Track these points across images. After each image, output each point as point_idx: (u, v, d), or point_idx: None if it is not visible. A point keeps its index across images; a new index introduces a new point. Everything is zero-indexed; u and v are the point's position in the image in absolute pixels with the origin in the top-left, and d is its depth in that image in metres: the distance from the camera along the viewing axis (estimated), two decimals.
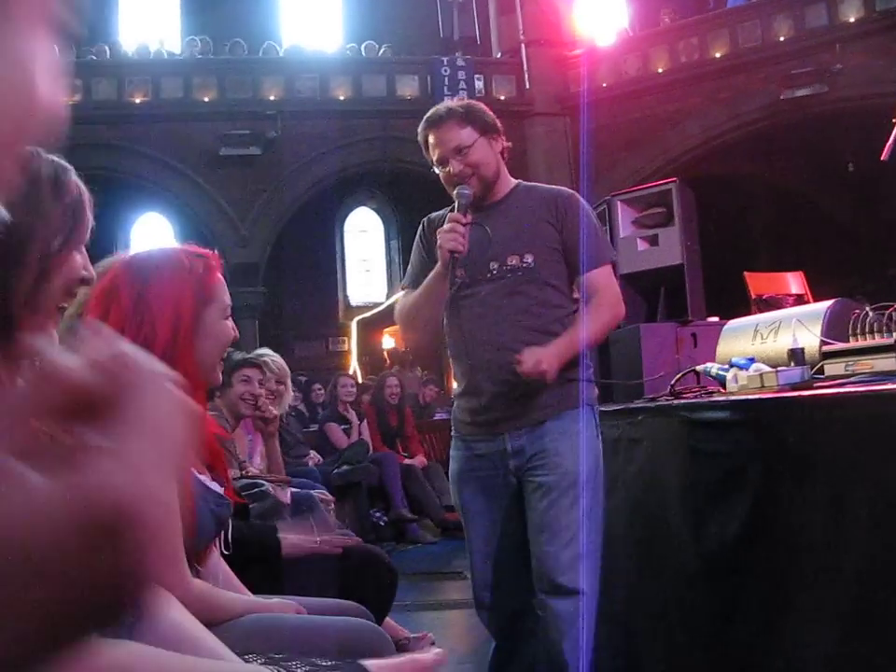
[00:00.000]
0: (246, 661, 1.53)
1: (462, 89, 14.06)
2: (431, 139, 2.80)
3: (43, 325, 1.19)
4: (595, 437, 2.71)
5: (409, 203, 16.99)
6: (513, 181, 2.89)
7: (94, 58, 14.29)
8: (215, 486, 1.86)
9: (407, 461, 8.30)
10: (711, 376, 2.71)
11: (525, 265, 2.71)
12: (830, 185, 15.15)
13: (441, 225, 2.71)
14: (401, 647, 2.93)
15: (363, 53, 15.06)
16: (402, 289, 3.01)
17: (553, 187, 2.95)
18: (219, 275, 1.90)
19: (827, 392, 1.94)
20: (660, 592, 2.64)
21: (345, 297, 18.27)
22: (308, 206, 14.50)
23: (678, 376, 2.89)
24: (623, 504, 2.86)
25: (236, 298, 11.06)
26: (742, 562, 2.17)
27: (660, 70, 14.09)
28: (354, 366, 17.01)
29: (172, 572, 1.52)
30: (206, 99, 13.86)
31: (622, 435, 2.85)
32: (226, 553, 2.06)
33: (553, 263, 2.74)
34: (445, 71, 14.11)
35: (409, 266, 3.03)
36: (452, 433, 2.95)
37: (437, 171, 2.82)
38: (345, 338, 17.72)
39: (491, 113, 2.87)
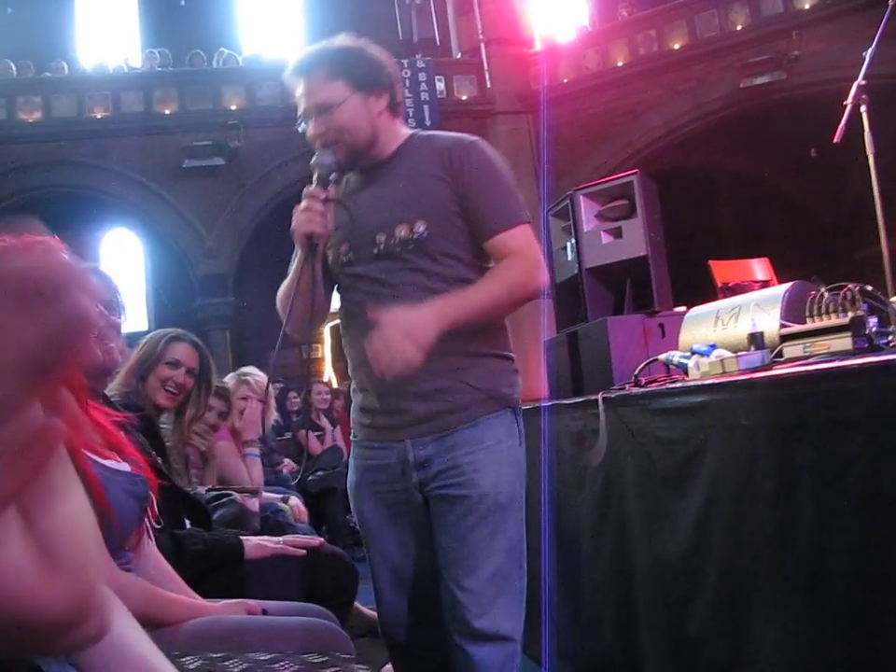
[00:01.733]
0: (182, 662, 1.52)
1: (423, 91, 14.07)
2: (298, 89, 2.32)
3: None
4: (518, 446, 2.29)
5: None
6: (406, 132, 2.40)
7: (50, 75, 14.19)
8: (123, 467, 1.85)
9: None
10: (674, 364, 2.72)
11: (416, 235, 2.22)
12: (794, 171, 15.28)
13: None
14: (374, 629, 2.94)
15: None
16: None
17: (452, 134, 2.41)
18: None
19: (779, 373, 1.95)
20: (625, 585, 2.66)
21: None
22: (274, 214, 14.43)
23: (640, 366, 2.90)
24: (590, 497, 2.87)
25: (205, 309, 11.13)
26: (698, 550, 2.19)
27: (620, 64, 14.17)
28: (328, 372, 16.99)
29: None
30: (167, 111, 13.80)
31: (585, 427, 2.85)
32: (157, 526, 2.05)
33: (451, 230, 2.25)
34: (406, 73, 14.09)
35: None
36: (350, 437, 2.47)
37: (301, 127, 2.34)
38: (319, 345, 17.68)
39: (380, 60, 2.40)
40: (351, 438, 2.45)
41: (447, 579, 2.21)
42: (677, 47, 13.84)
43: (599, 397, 2.70)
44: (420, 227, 2.22)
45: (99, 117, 13.58)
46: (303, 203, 2.21)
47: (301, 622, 1.95)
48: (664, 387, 2.50)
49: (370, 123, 2.29)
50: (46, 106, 13.57)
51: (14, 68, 14.26)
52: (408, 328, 2.01)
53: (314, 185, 2.24)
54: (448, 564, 2.21)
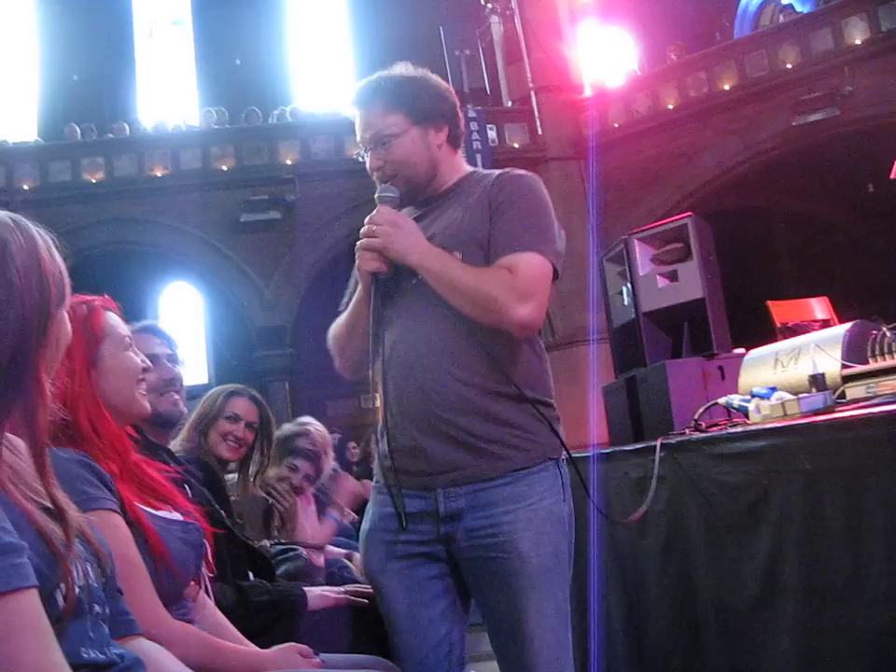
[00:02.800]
0: None
1: (476, 140, 14.19)
2: (356, 120, 2.22)
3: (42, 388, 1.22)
4: (562, 501, 2.12)
5: None
6: (467, 169, 2.32)
7: (112, 136, 14.60)
8: (176, 517, 1.88)
9: None
10: (734, 408, 2.69)
11: None
12: (850, 208, 15.09)
13: None
14: None
15: None
16: (340, 311, 2.38)
17: (486, 173, 2.31)
18: (108, 313, 1.94)
19: (842, 415, 1.93)
20: (692, 634, 2.61)
21: None
22: (331, 265, 14.62)
23: (700, 410, 2.86)
24: (653, 544, 2.83)
25: (264, 361, 11.25)
26: (767, 599, 2.14)
27: (670, 106, 14.18)
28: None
29: (146, 614, 1.53)
30: (224, 167, 14.09)
31: (646, 473, 2.82)
32: (211, 575, 2.06)
33: (484, 261, 2.13)
34: None
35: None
36: (373, 483, 2.31)
37: (361, 157, 2.25)
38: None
39: (441, 90, 2.26)
40: (373, 483, 2.29)
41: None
42: (727, 87, 13.82)
43: (658, 443, 2.68)
44: (456, 255, 2.12)
45: (158, 174, 13.93)
46: (364, 241, 2.13)
47: None
48: (724, 432, 2.48)
49: (428, 157, 2.21)
50: (108, 167, 13.96)
51: (79, 131, 14.70)
52: (398, 222, 2.09)
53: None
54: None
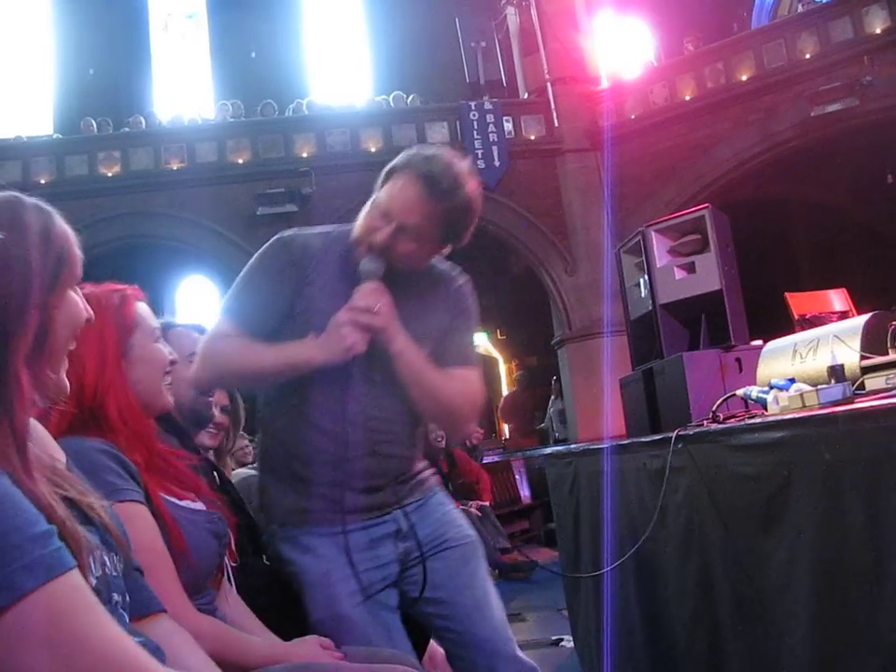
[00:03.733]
0: None
1: (492, 132, 14.16)
2: (404, 184, 2.19)
3: (56, 370, 1.21)
4: None
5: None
6: None
7: (129, 130, 14.64)
8: (200, 507, 1.87)
9: (461, 507, 8.27)
10: (752, 399, 2.68)
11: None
12: (870, 198, 14.97)
13: (311, 250, 2.25)
14: None
15: (392, 104, 15.25)
16: (223, 319, 2.32)
17: (453, 272, 2.49)
18: (139, 303, 1.94)
19: (862, 406, 1.91)
20: (712, 624, 2.60)
21: None
22: None
23: (718, 402, 2.85)
24: (672, 536, 2.82)
25: None
26: (787, 590, 2.13)
27: (687, 98, 14.08)
28: None
29: (171, 606, 1.53)
30: (241, 161, 14.11)
31: (664, 465, 2.81)
32: (234, 564, 2.06)
33: (436, 355, 2.32)
34: (473, 115, 14.22)
35: (239, 291, 2.36)
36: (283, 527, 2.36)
37: (369, 204, 2.27)
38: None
39: (472, 223, 2.29)
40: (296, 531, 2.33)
41: (480, 619, 2.33)
42: (744, 78, 13.72)
43: (673, 434, 2.67)
44: (426, 347, 2.28)
45: (174, 168, 13.95)
46: (350, 316, 2.15)
47: (389, 668, 1.94)
48: (742, 423, 2.46)
49: (421, 265, 2.33)
50: (124, 160, 13.99)
51: (95, 125, 14.75)
52: (391, 322, 2.17)
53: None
54: (475, 606, 2.34)
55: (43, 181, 13.76)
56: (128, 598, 1.27)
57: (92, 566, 1.15)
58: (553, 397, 15.19)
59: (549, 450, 5.62)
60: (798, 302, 4.74)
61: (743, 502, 2.30)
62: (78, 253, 1.26)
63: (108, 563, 1.21)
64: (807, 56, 13.24)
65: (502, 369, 17.99)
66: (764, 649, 2.26)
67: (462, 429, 2.46)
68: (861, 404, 1.98)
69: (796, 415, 2.15)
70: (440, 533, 2.40)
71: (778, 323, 4.77)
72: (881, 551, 1.78)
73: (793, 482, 2.07)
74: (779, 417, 2.25)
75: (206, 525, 1.84)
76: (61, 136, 15.30)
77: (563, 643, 5.10)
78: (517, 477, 11.73)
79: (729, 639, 2.48)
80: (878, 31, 12.68)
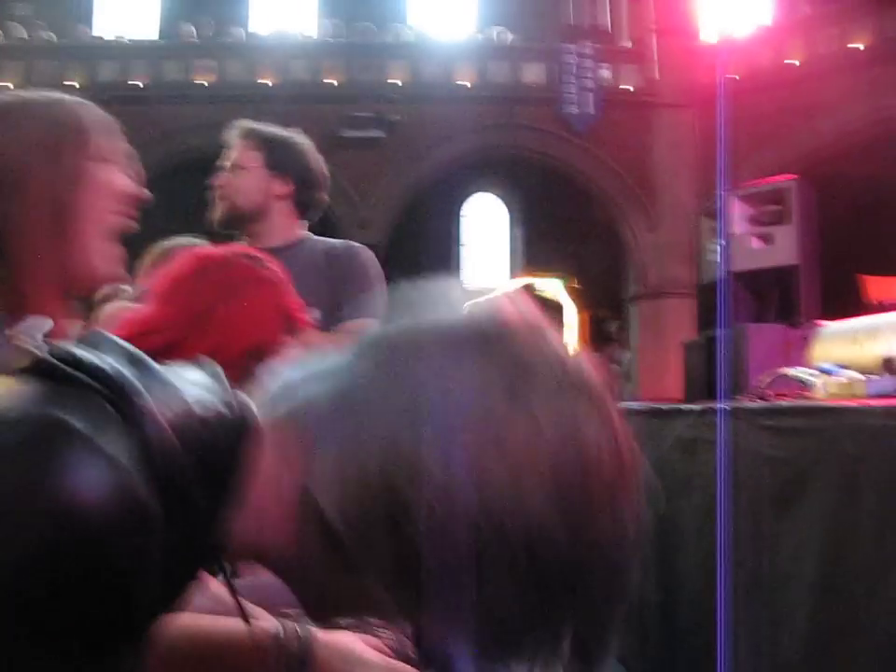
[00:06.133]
0: None
1: (588, 77, 13.90)
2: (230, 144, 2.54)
3: (87, 248, 1.18)
4: None
5: (531, 191, 16.93)
6: (301, 233, 2.59)
7: (229, 40, 14.69)
8: None
9: None
10: (799, 380, 2.61)
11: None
12: None
13: None
14: None
15: (492, 39, 15.03)
16: None
17: (337, 242, 2.67)
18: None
19: (883, 404, 1.85)
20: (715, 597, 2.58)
21: (462, 282, 18.35)
22: (429, 190, 14.59)
23: (766, 379, 2.79)
24: (697, 506, 2.79)
25: None
26: (793, 576, 2.10)
27: (796, 62, 13.62)
28: None
29: None
30: (333, 81, 14.08)
31: (698, 435, 2.78)
32: None
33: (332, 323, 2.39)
34: (571, 59, 13.97)
35: None
36: None
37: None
38: None
39: (297, 155, 2.56)
40: None
41: None
42: (860, 46, 13.19)
43: (697, 407, 2.63)
44: (315, 314, 2.29)
45: (267, 82, 13.99)
46: None
47: None
48: (776, 405, 2.41)
49: (260, 199, 2.48)
50: (220, 70, 14.08)
51: (195, 31, 14.82)
52: None
53: None
54: None
55: (140, 83, 13.93)
56: None
57: None
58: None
59: None
60: (875, 286, 4.58)
61: (762, 484, 2.27)
62: (101, 130, 1.21)
63: None
64: None
65: (573, 318, 17.89)
66: (765, 635, 2.24)
67: None
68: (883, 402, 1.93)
69: (829, 404, 2.10)
70: None
71: (854, 306, 4.64)
72: (888, 550, 1.74)
73: (812, 470, 2.03)
74: (809, 403, 2.21)
75: None
76: (161, 41, 15.42)
77: None
78: None
79: (736, 616, 2.46)
80: None
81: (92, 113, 1.23)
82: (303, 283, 2.37)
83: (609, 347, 15.44)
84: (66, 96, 1.22)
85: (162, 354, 0.70)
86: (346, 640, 1.09)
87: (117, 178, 1.21)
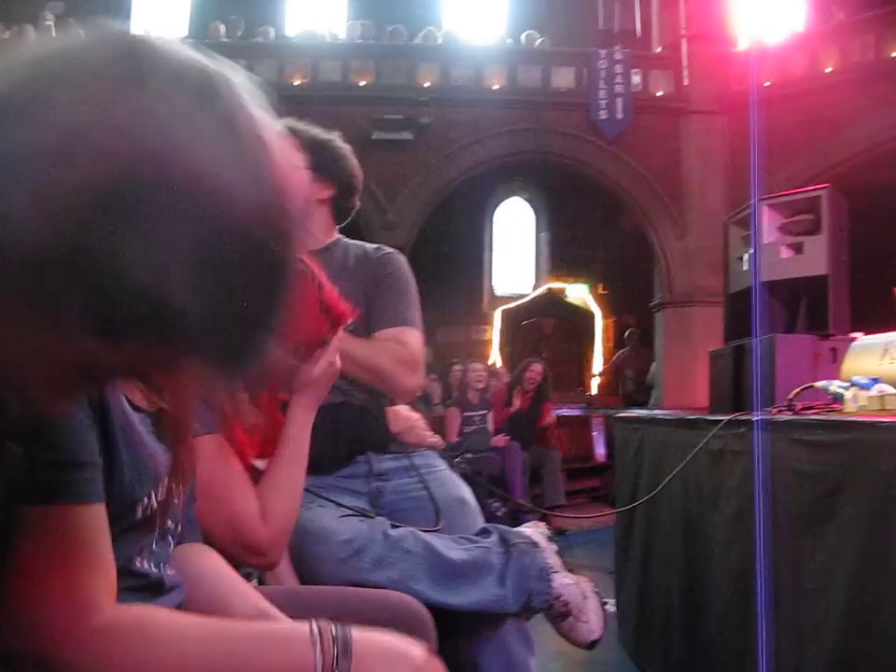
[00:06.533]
0: None
1: (618, 83, 13.84)
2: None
3: None
4: None
5: (560, 196, 16.89)
6: (334, 236, 2.63)
7: (261, 40, 14.73)
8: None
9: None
10: (829, 393, 2.57)
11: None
12: None
13: None
14: None
15: (523, 43, 14.99)
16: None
17: (370, 249, 2.65)
18: None
19: None
20: (748, 613, 2.54)
21: (491, 286, 18.33)
22: (457, 194, 14.57)
23: (795, 391, 2.75)
24: (725, 517, 2.76)
25: None
26: (822, 596, 2.06)
27: (829, 70, 13.48)
28: (494, 355, 17.08)
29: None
30: (362, 83, 14.10)
31: (726, 446, 2.74)
32: None
33: (363, 327, 2.40)
34: (602, 64, 13.91)
35: None
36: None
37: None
38: (488, 327, 17.79)
39: (342, 161, 2.60)
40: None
41: None
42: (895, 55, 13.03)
43: (725, 418, 2.59)
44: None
45: (296, 83, 14.03)
46: None
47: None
48: (807, 418, 2.37)
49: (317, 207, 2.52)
50: (249, 70, 14.06)
51: (224, 30, 14.89)
52: None
53: None
54: None
55: None
56: (179, 528, 1.28)
57: (161, 490, 1.16)
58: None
59: (620, 413, 5.57)
60: None
61: (791, 499, 2.23)
62: None
63: (173, 489, 1.22)
64: None
65: (599, 323, 17.82)
66: (791, 653, 2.20)
67: (397, 389, 2.44)
68: None
69: (863, 418, 2.05)
70: None
71: (887, 319, 4.57)
72: None
73: (844, 487, 1.98)
74: (843, 418, 2.16)
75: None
76: (192, 40, 15.50)
77: (606, 606, 5.07)
78: (594, 434, 11.66)
79: (760, 631, 2.42)
80: None
81: None
82: (336, 285, 2.43)
83: (628, 354, 15.42)
84: None
85: None
86: (387, 637, 1.09)
87: None
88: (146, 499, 1.13)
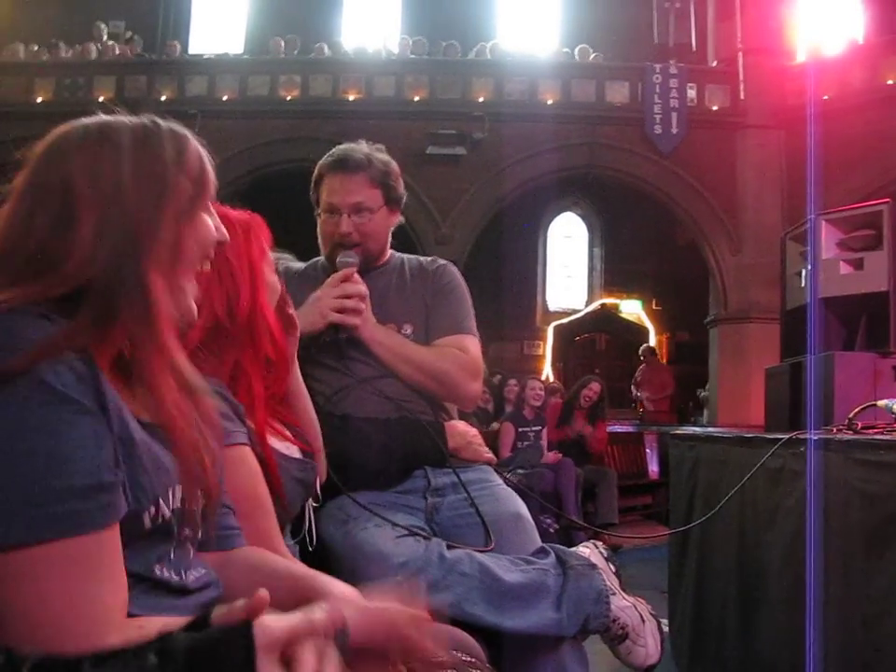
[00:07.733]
0: None
1: (674, 97, 13.75)
2: (328, 181, 2.51)
3: (184, 290, 1.22)
4: None
5: (614, 211, 16.81)
6: (390, 252, 2.65)
7: (314, 56, 14.89)
8: (294, 453, 1.87)
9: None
10: (891, 412, 2.52)
11: (404, 335, 2.47)
12: None
13: (311, 280, 2.47)
14: None
15: (576, 57, 14.96)
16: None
17: (426, 261, 2.67)
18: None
19: None
20: (802, 637, 2.49)
21: (544, 301, 18.27)
22: (510, 209, 14.56)
23: (856, 409, 2.70)
24: (778, 540, 2.71)
25: None
26: (883, 619, 2.00)
27: (890, 81, 13.24)
28: (547, 371, 17.01)
29: (273, 550, 1.54)
30: (416, 98, 14.17)
31: (784, 465, 2.69)
32: (316, 504, 2.07)
33: (423, 335, 2.50)
34: (657, 78, 13.83)
35: None
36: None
37: (319, 215, 2.55)
38: (541, 342, 17.73)
39: (402, 184, 2.60)
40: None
41: None
42: None
43: (785, 437, 2.54)
44: (407, 329, 2.47)
45: (351, 98, 14.15)
46: (344, 292, 2.37)
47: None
48: (870, 438, 2.32)
49: (386, 236, 2.57)
50: (304, 85, 14.29)
51: (283, 46, 15.09)
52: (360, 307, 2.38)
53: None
54: None
55: (225, 97, 14.21)
56: (200, 534, 1.28)
57: (171, 497, 1.16)
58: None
59: (676, 430, 5.50)
60: None
61: (854, 520, 2.18)
62: (212, 177, 1.27)
63: (188, 498, 1.22)
64: None
65: (652, 339, 17.67)
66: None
67: (460, 395, 2.50)
68: None
69: None
70: None
71: None
72: None
73: None
74: None
75: (295, 474, 1.84)
76: (248, 56, 15.72)
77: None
78: (647, 451, 11.55)
79: (819, 657, 2.37)
80: None
81: (205, 153, 1.27)
82: (394, 298, 2.51)
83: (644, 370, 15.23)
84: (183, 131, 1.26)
85: None
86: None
87: (213, 224, 1.28)
88: (152, 509, 1.12)
